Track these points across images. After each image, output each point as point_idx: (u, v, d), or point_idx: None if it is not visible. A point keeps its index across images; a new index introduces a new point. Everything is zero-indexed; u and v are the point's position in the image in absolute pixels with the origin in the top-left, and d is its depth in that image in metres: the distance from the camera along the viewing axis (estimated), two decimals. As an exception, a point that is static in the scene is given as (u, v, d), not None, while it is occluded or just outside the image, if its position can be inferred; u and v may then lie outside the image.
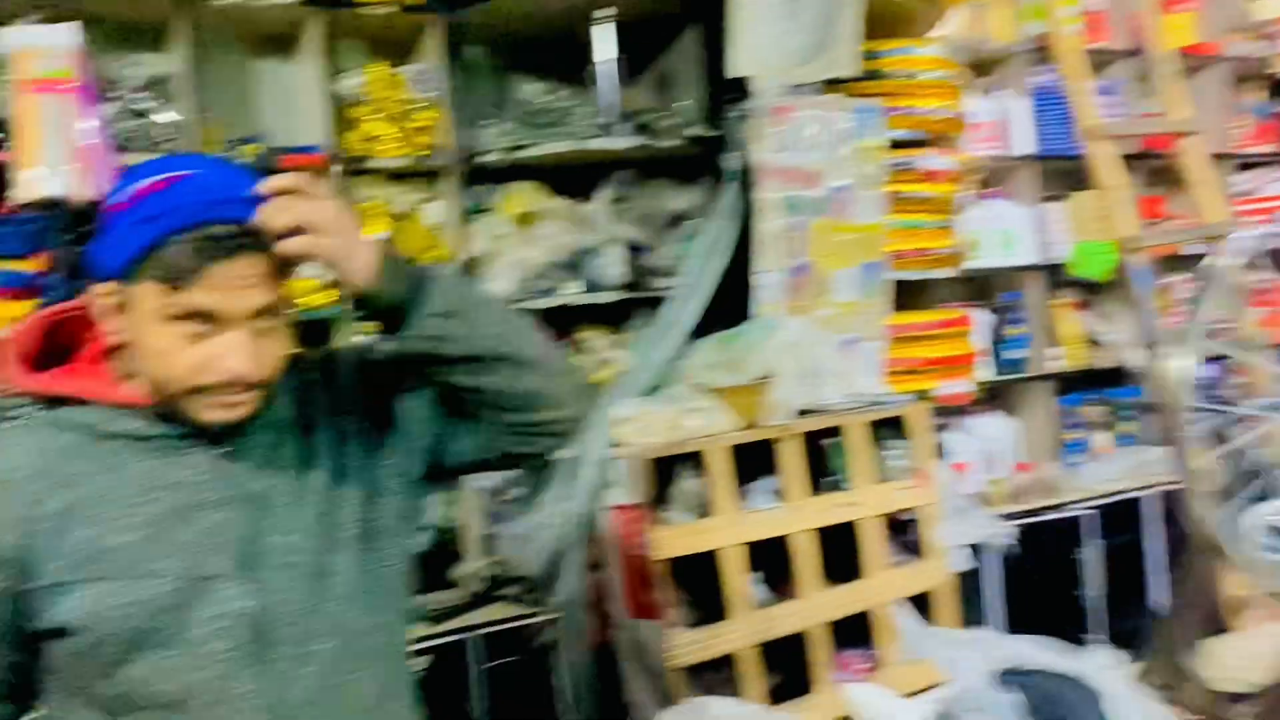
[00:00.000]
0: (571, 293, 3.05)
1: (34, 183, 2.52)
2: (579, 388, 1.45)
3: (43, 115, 2.53)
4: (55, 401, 1.24)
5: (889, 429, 2.80)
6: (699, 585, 2.56)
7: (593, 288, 3.11)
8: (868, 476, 2.74)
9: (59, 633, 1.19)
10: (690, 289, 2.87)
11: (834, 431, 2.73)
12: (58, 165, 2.54)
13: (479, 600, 3.07)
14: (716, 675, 2.58)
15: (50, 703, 1.27)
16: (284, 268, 1.20)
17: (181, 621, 1.18)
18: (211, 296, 1.14)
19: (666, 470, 2.53)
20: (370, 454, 1.34)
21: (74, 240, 2.72)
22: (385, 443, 1.36)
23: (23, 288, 2.67)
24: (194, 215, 1.14)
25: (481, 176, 3.12)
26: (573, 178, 3.25)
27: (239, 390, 1.18)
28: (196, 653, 1.19)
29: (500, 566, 3.10)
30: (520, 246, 3.01)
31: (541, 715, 2.76)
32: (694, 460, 2.54)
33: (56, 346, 1.32)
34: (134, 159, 2.68)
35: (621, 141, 3.02)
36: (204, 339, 1.16)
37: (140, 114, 2.83)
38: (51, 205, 2.62)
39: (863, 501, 2.72)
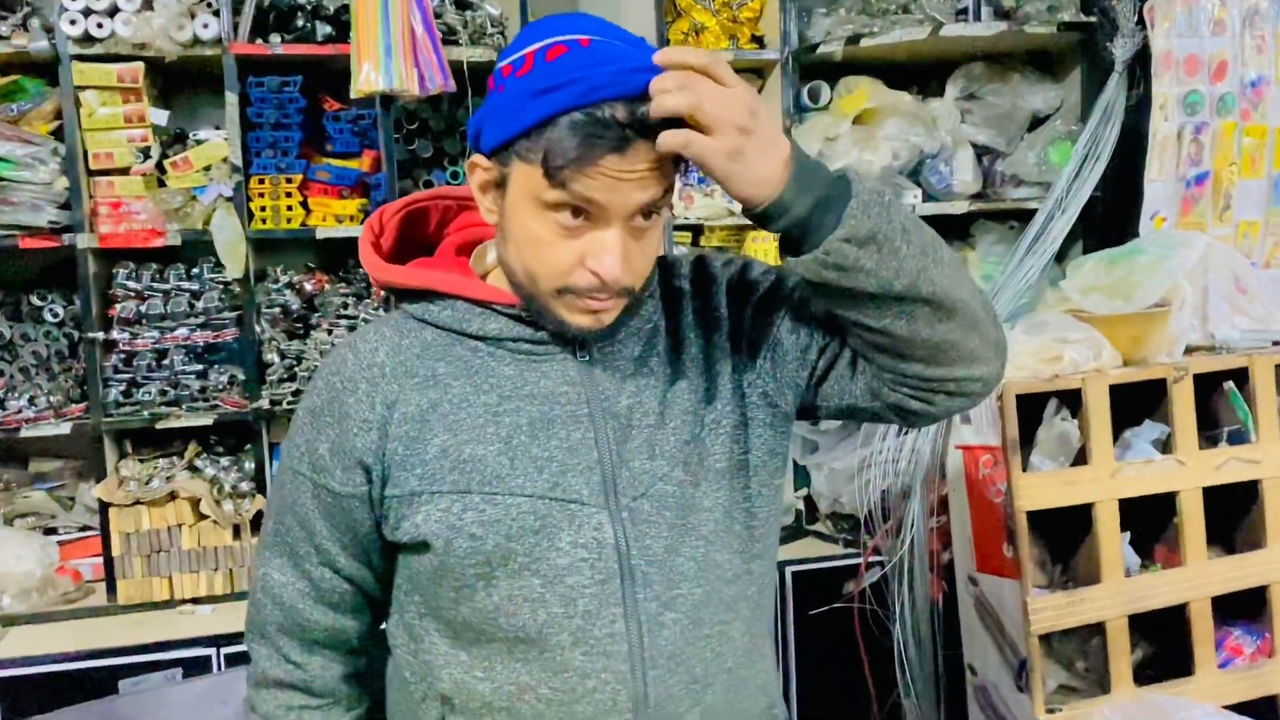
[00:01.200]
0: (913, 202, 2.74)
1: (368, 76, 2.45)
2: (1000, 342, 1.16)
3: (376, 5, 2.45)
4: (417, 296, 1.16)
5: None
6: (1064, 543, 2.25)
7: (937, 197, 2.78)
8: (1275, 429, 2.29)
9: (413, 547, 1.12)
10: (1059, 200, 2.49)
11: (1236, 374, 2.30)
12: (389, 59, 2.46)
13: (788, 536, 2.86)
14: (1076, 646, 2.26)
15: (401, 623, 1.20)
16: (676, 162, 1.03)
17: (541, 547, 1.08)
18: (595, 189, 0.99)
19: (1031, 408, 2.21)
20: (741, 378, 1.19)
21: (403, 137, 2.68)
22: (758, 367, 1.20)
23: (352, 185, 2.64)
24: (590, 92, 0.97)
25: (814, 71, 2.88)
26: (918, 71, 2.92)
27: (608, 295, 1.05)
28: (557, 584, 1.09)
29: (816, 501, 2.86)
30: (856, 149, 2.70)
31: (858, 670, 2.51)
32: (1065, 399, 2.21)
33: (417, 238, 1.24)
34: (458, 54, 2.58)
35: (981, 28, 2.62)
36: (579, 234, 1.03)
37: (465, 6, 2.72)
38: (384, 101, 2.56)
39: (1267, 458, 2.28)
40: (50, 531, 2.64)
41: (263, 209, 2.58)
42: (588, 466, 1.10)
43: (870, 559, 2.57)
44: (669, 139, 0.97)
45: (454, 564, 1.09)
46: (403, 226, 1.23)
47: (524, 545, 1.08)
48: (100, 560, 2.53)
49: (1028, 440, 2.20)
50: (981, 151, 2.85)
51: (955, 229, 2.89)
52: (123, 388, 2.53)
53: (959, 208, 2.78)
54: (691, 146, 0.98)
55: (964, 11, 2.69)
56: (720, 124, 0.97)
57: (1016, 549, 2.14)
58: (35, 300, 2.59)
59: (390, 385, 1.11)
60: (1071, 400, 2.18)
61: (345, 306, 2.66)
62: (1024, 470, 2.15)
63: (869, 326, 1.07)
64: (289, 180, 2.59)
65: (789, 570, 2.69)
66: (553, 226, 1.02)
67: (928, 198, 2.80)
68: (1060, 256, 2.65)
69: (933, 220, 2.83)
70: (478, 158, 1.08)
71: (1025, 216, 2.72)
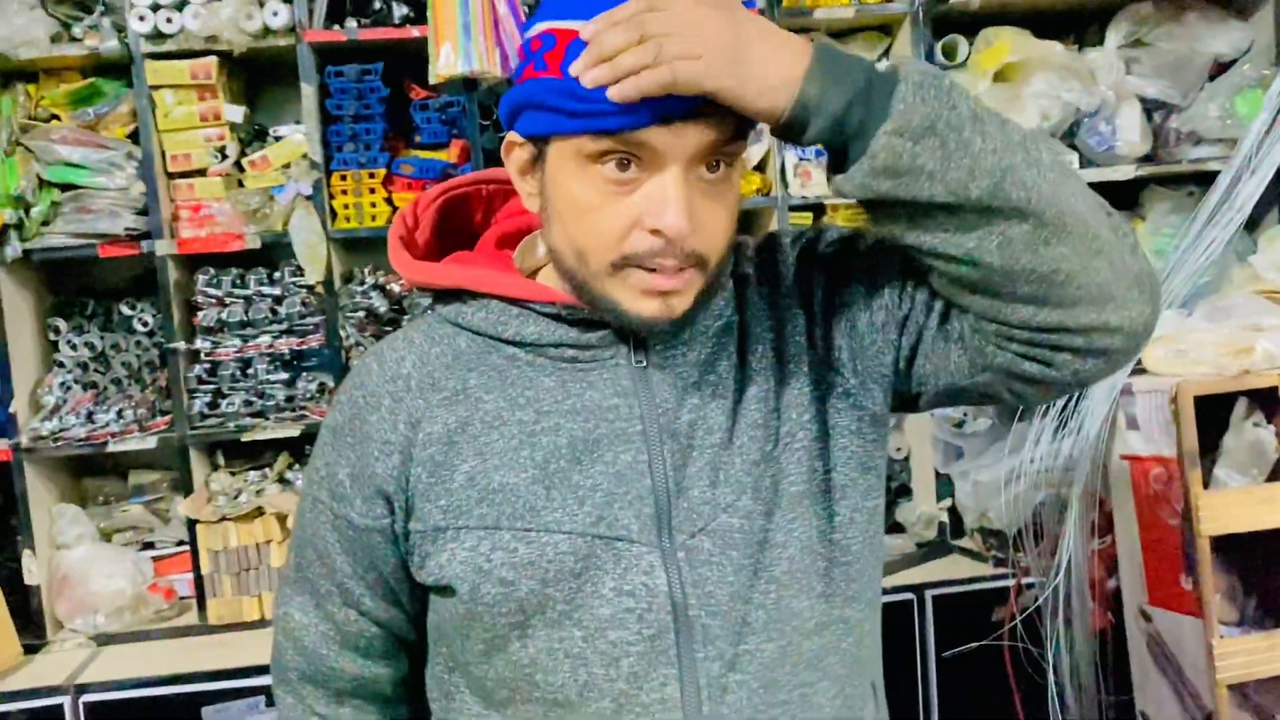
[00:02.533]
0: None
1: (448, 59, 2.27)
2: (1142, 276, 0.87)
3: (454, -18, 2.27)
4: (453, 296, 1.00)
5: None
6: (1258, 572, 1.90)
7: (1097, 161, 2.44)
8: None
9: (439, 590, 0.97)
10: (1248, 159, 2.10)
11: None
12: (469, 39, 2.27)
13: (930, 552, 2.54)
14: (1278, 698, 1.87)
15: (433, 674, 1.05)
16: (740, 123, 0.86)
17: (583, 593, 0.92)
18: (654, 133, 0.83)
19: (1215, 412, 1.85)
20: (817, 378, 0.99)
21: (492, 124, 2.50)
22: (835, 362, 0.99)
23: (437, 178, 2.47)
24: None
25: (949, 24, 2.57)
26: (1071, 18, 2.56)
27: (676, 264, 0.87)
28: (598, 638, 0.92)
29: (961, 515, 2.53)
30: (1001, 109, 2.35)
31: (1009, 715, 2.18)
32: (1259, 399, 1.85)
33: (462, 230, 1.09)
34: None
35: (1147, -40, 2.25)
36: (631, 189, 0.86)
37: (555, -23, 2.50)
38: (468, 84, 2.38)
39: None
40: (148, 546, 2.59)
41: (345, 207, 2.44)
42: (638, 496, 0.93)
43: (1024, 581, 2.23)
44: (646, 80, 0.79)
45: (482, 612, 0.94)
46: (441, 217, 1.07)
47: (562, 591, 0.92)
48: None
49: (1211, 450, 1.85)
50: (1151, 106, 2.49)
51: (1121, 197, 2.53)
52: (208, 399, 2.44)
53: (1124, 173, 2.42)
54: (678, 75, 0.79)
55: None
56: (685, 32, 0.80)
57: (1198, 580, 1.80)
58: (125, 309, 2.54)
59: (415, 401, 0.97)
60: (1266, 402, 1.82)
61: (434, 308, 2.49)
62: (1206, 487, 1.81)
63: (951, 255, 0.85)
64: (372, 175, 2.44)
65: (929, 594, 2.38)
66: (600, 185, 0.86)
67: (1086, 162, 2.46)
68: (1250, 225, 2.26)
69: (1094, 187, 2.48)
70: (513, 135, 0.93)
71: (1206, 180, 2.35)
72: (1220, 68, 2.45)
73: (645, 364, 0.95)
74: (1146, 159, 2.45)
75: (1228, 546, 1.84)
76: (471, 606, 0.93)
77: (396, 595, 1.03)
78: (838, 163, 0.86)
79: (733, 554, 0.93)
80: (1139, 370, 2.00)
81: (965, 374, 0.93)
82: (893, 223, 0.86)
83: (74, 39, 2.32)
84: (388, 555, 1.00)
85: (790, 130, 0.84)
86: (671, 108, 0.81)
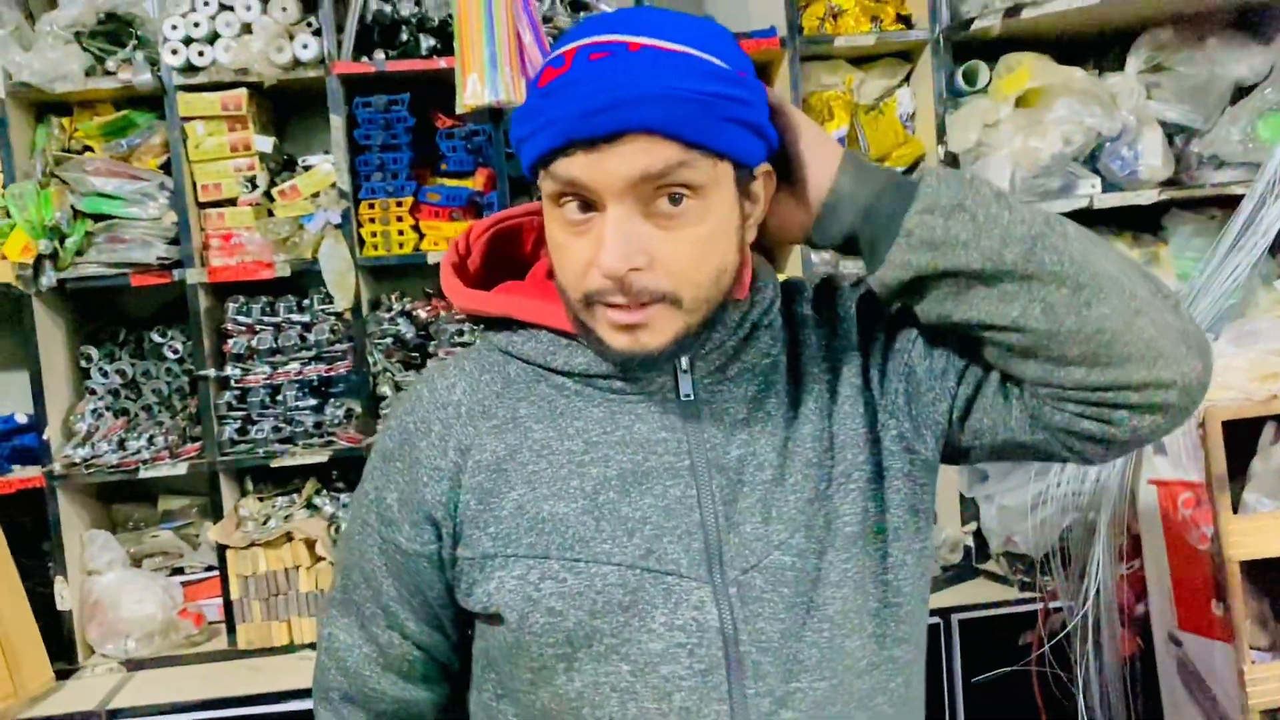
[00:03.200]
0: (1091, 192, 2.38)
1: (474, 89, 2.29)
2: (1190, 334, 0.90)
3: (479, 13, 2.29)
4: (503, 324, 1.01)
5: None
6: None
7: (1120, 185, 2.43)
8: None
9: (488, 617, 0.98)
10: (1271, 183, 2.09)
11: None
12: (494, 69, 2.30)
13: (955, 576, 2.54)
14: (1310, 724, 1.86)
15: (479, 701, 1.06)
16: (691, 127, 0.86)
17: (631, 627, 0.92)
18: (573, 166, 0.85)
19: (1242, 437, 1.85)
20: (874, 420, 1.00)
21: (514, 153, 2.52)
22: (891, 405, 1.00)
23: (463, 206, 2.50)
24: (581, 127, 0.84)
25: (969, 50, 2.57)
26: (1090, 43, 2.57)
27: (631, 302, 0.87)
28: (649, 673, 0.92)
29: (986, 538, 2.52)
30: (1021, 135, 2.37)
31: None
32: None
33: (513, 260, 1.09)
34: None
35: (1166, -14, 2.25)
36: (588, 230, 0.88)
37: (580, 7, 2.53)
38: (494, 114, 2.40)
39: None
40: (177, 571, 2.61)
41: (373, 235, 2.47)
42: (687, 530, 0.93)
43: (1051, 605, 2.22)
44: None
45: (530, 641, 0.94)
46: (492, 247, 1.07)
47: (611, 624, 0.92)
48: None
49: (1239, 475, 1.84)
50: (1172, 131, 2.47)
51: (1144, 221, 2.51)
52: (237, 425, 2.46)
53: (1147, 197, 2.40)
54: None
55: (1146, -32, 2.32)
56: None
57: (1228, 605, 1.79)
58: (155, 337, 2.56)
59: (465, 428, 0.97)
60: (1296, 426, 1.80)
61: (461, 334, 2.51)
62: (1235, 511, 1.79)
63: (999, 325, 0.88)
64: (399, 204, 2.47)
65: (955, 618, 2.37)
66: (565, 225, 0.89)
67: (1109, 186, 2.44)
68: (1275, 249, 2.24)
69: (1117, 212, 2.52)
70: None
71: (1229, 204, 2.32)
72: (1241, 91, 2.44)
73: (692, 397, 0.96)
74: (1169, 183, 2.43)
75: (1258, 571, 1.83)
76: (519, 635, 0.94)
77: (440, 620, 1.04)
78: (871, 262, 0.91)
79: (784, 591, 0.93)
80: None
81: (1024, 431, 0.94)
82: (939, 304, 0.90)
83: (108, 72, 2.35)
84: (433, 580, 1.01)
85: (821, 224, 0.91)
86: (585, 129, 0.83)
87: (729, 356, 0.96)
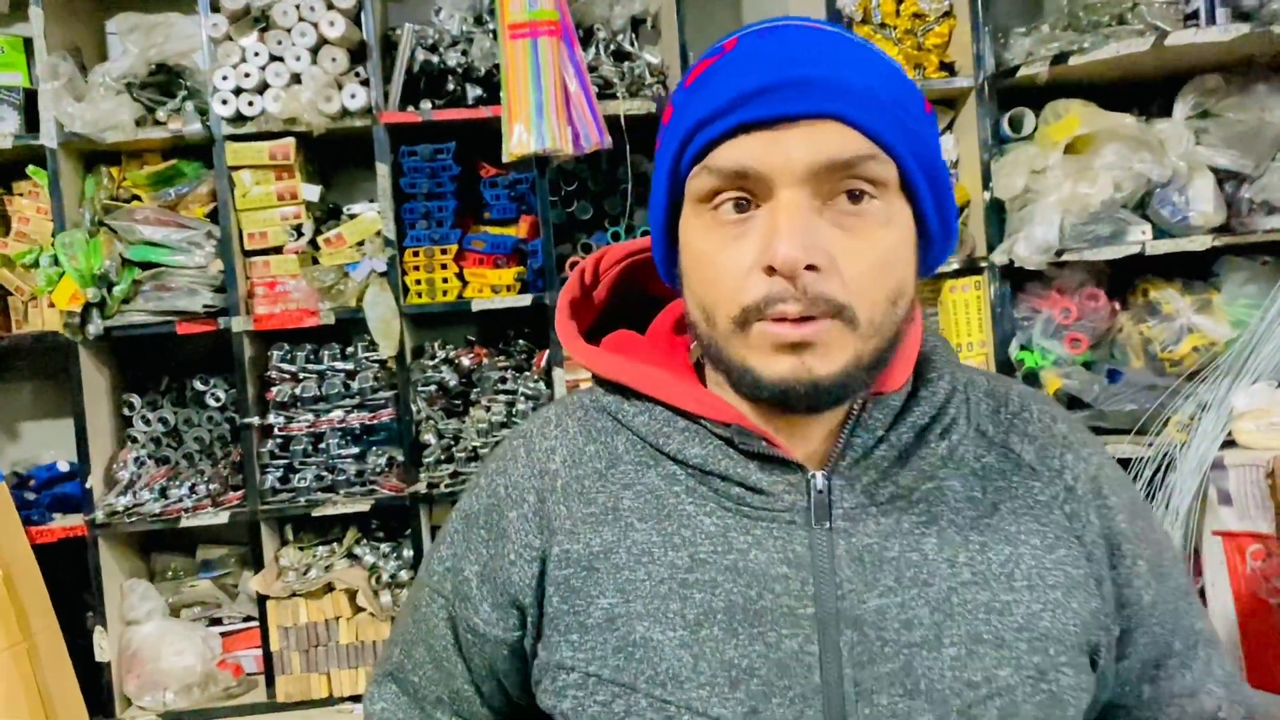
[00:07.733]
0: (1143, 239, 2.34)
1: (520, 138, 2.30)
2: None
3: (526, 62, 2.31)
4: (616, 384, 0.87)
5: None
6: None
7: (1172, 232, 2.40)
8: None
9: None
10: (1331, 228, 2.05)
11: None
12: (541, 118, 2.31)
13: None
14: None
15: None
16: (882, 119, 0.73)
17: None
18: (746, 150, 0.72)
19: (1313, 487, 1.77)
20: (1092, 621, 0.81)
21: (560, 199, 2.52)
22: (1106, 612, 0.83)
23: (508, 254, 2.49)
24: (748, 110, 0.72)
25: (1014, 97, 2.56)
26: (1137, 90, 2.55)
27: (799, 312, 0.71)
28: None
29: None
30: (1069, 182, 2.35)
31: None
32: None
33: (639, 293, 0.94)
34: (615, 107, 2.40)
35: (1216, 34, 2.23)
36: (750, 228, 0.74)
37: (623, 57, 2.54)
38: (539, 162, 2.41)
39: None
40: (215, 622, 2.57)
41: (418, 283, 2.46)
42: (802, 695, 0.75)
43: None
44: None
45: None
46: (622, 280, 0.94)
47: None
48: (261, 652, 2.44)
49: (1311, 526, 1.78)
50: (1223, 176, 2.43)
51: (1196, 268, 2.47)
52: (279, 474, 2.44)
53: (1200, 243, 2.36)
54: None
55: (1193, 16, 2.31)
56: None
57: (1303, 663, 1.72)
58: (198, 385, 2.55)
59: (559, 507, 0.84)
60: (1370, 477, 1.75)
61: (504, 380, 2.50)
62: (1309, 565, 1.73)
63: None
64: (444, 251, 2.46)
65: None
66: (717, 230, 0.75)
67: (1160, 233, 2.40)
68: (1334, 295, 2.20)
69: (1169, 259, 2.49)
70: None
71: (1283, 250, 2.30)
72: (1293, 137, 2.42)
73: (829, 527, 0.79)
74: (1221, 229, 2.39)
75: (1332, 627, 1.77)
76: None
77: (511, 699, 0.92)
78: None
79: None
80: (1229, 443, 1.95)
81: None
82: None
83: (158, 122, 2.37)
84: (510, 670, 0.88)
85: None
86: (763, 109, 0.71)
87: (881, 473, 0.79)
